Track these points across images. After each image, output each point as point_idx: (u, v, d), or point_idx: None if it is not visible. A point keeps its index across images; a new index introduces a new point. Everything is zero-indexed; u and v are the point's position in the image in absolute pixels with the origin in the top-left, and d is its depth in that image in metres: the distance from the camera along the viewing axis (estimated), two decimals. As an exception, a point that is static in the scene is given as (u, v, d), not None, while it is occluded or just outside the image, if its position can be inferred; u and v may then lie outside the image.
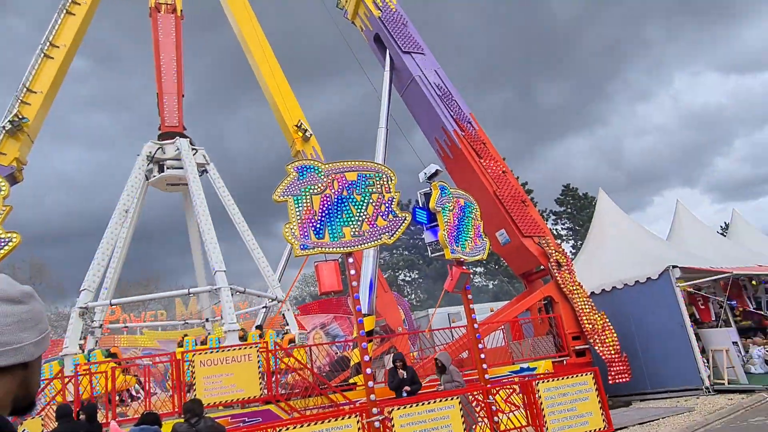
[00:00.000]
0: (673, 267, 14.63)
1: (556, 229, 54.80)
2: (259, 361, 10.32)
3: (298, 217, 8.16)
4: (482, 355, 9.63)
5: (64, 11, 19.84)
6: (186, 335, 16.32)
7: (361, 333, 8.57)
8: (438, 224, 9.49)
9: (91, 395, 10.48)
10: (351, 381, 13.34)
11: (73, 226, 77.95)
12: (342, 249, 8.36)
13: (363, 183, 8.77)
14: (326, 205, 8.38)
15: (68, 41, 19.52)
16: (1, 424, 1.12)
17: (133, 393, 13.72)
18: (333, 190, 8.51)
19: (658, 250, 16.70)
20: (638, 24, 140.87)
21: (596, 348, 14.33)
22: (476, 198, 10.68)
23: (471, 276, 10.45)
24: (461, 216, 9.91)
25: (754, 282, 17.87)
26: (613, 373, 14.04)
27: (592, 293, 15.85)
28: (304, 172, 8.52)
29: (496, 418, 8.84)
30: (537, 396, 8.91)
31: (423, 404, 8.19)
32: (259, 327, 18.12)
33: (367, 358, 8.44)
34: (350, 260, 8.57)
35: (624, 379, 14.14)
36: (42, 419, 10.03)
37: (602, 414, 9.06)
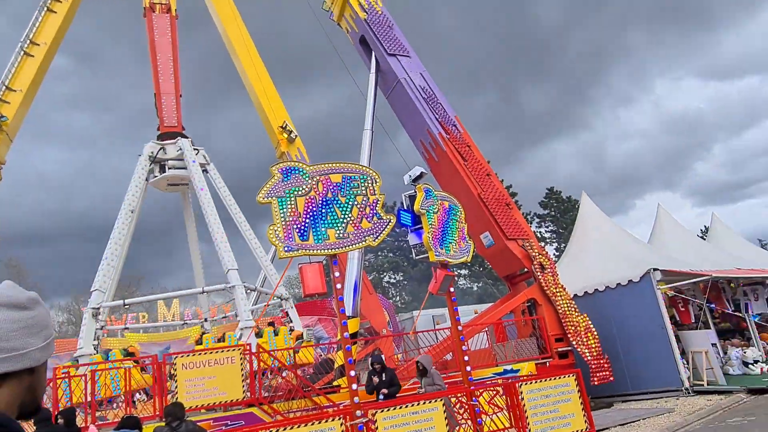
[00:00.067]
0: (654, 270, 14.83)
1: (540, 232, 55.25)
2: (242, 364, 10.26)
3: (283, 219, 8.12)
4: (466, 357, 9.65)
5: (45, 9, 19.57)
6: (204, 333, 16.44)
7: (346, 335, 8.54)
8: (422, 227, 9.51)
9: (108, 395, 10.45)
10: (335, 383, 13.30)
11: (52, 226, 76.78)
12: (326, 251, 8.34)
13: (348, 185, 8.75)
14: (311, 207, 8.35)
15: (49, 39, 19.26)
16: (11, 426, 1.13)
17: (149, 391, 13.61)
18: (318, 192, 8.48)
19: (640, 253, 16.92)
20: (620, 30, 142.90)
21: (579, 350, 14.46)
22: (461, 200, 10.72)
23: (455, 278, 10.48)
24: (446, 219, 9.94)
25: (732, 285, 18.18)
26: (595, 375, 14.18)
27: (575, 295, 16.00)
28: (289, 174, 8.48)
29: (479, 420, 8.87)
30: (520, 398, 8.96)
31: (406, 406, 8.19)
32: (271, 324, 18.11)
33: (351, 360, 8.41)
34: (334, 262, 8.55)
35: (606, 381, 14.28)
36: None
37: (584, 415, 9.14)
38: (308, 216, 8.29)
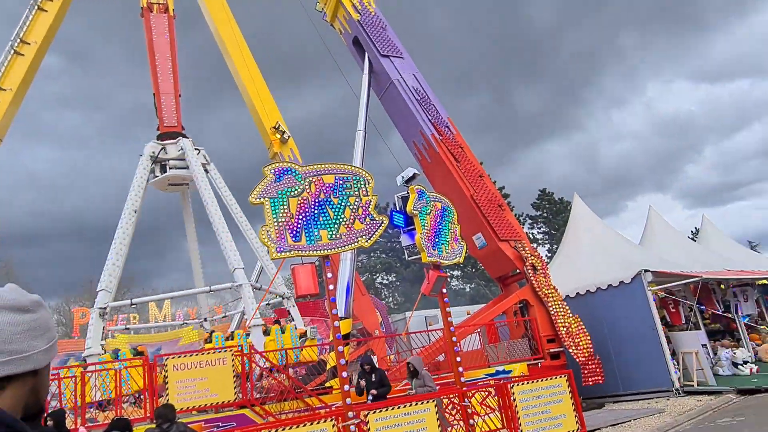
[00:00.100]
0: (645, 271, 14.92)
1: (533, 233, 55.45)
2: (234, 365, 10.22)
3: (275, 220, 8.10)
4: (458, 358, 9.67)
5: (36, 7, 19.43)
6: (213, 331, 16.55)
7: (338, 336, 8.53)
8: (415, 228, 9.52)
9: (120, 395, 10.42)
10: (327, 384, 13.28)
11: (43, 226, 76.17)
12: (319, 252, 8.32)
13: (340, 186, 8.74)
14: (303, 208, 8.34)
15: (39, 38, 19.12)
16: (16, 426, 1.13)
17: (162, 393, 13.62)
18: (310, 193, 8.46)
19: (631, 254, 17.01)
20: (613, 32, 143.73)
21: (570, 351, 14.52)
22: (453, 202, 10.75)
23: (448, 279, 10.49)
24: (439, 220, 9.96)
25: (722, 286, 18.33)
26: (586, 376, 14.24)
27: (567, 297, 16.06)
28: (282, 175, 8.46)
29: (471, 421, 8.89)
30: (512, 399, 8.98)
31: (399, 408, 8.19)
32: (277, 322, 18.17)
33: (343, 361, 8.40)
34: (327, 263, 8.53)
35: (597, 382, 14.35)
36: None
37: (575, 416, 9.17)
38: (301, 217, 8.28)
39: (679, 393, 13.84)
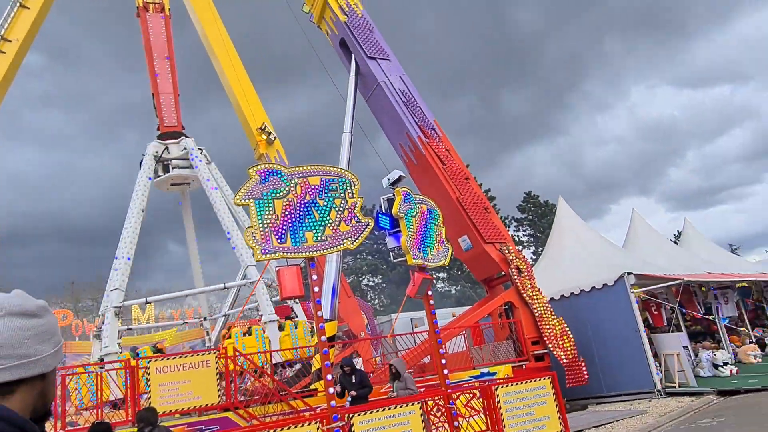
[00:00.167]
0: (628, 274, 15.07)
1: (518, 236, 55.80)
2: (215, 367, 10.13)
3: (260, 221, 8.06)
4: (443, 360, 9.68)
5: (18, 4, 19.14)
6: (231, 327, 16.66)
7: (323, 339, 8.50)
8: (401, 230, 9.52)
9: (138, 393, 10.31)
10: (312, 387, 13.22)
11: (25, 226, 74.99)
12: (304, 254, 8.29)
13: (326, 188, 8.72)
14: (289, 210, 8.30)
15: (21, 36, 18.84)
16: (26, 427, 1.16)
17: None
18: (296, 195, 8.43)
19: (614, 257, 17.19)
20: (598, 38, 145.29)
21: (554, 353, 14.61)
22: (439, 204, 10.78)
23: (433, 281, 10.51)
24: (426, 222, 9.97)
25: (703, 288, 18.59)
26: (570, 377, 14.34)
27: (552, 299, 16.18)
28: (267, 176, 8.41)
29: (456, 423, 8.90)
30: (496, 401, 9.00)
31: (383, 410, 8.17)
32: (288, 318, 18.17)
33: (328, 363, 8.37)
34: (312, 265, 8.50)
35: (581, 383, 14.46)
36: None
37: (559, 418, 9.22)
38: (286, 218, 8.24)
39: (661, 394, 14.00)
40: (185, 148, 19.87)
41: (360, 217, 8.83)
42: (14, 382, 1.21)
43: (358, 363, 15.05)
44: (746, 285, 20.50)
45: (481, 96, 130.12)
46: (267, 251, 8.00)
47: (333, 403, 8.07)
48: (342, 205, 8.70)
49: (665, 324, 16.76)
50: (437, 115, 17.97)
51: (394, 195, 9.67)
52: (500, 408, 8.94)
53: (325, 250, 8.53)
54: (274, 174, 8.47)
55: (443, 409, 9.02)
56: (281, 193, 8.33)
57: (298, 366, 15.41)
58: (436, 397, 9.15)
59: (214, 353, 10.37)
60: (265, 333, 15.20)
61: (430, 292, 9.86)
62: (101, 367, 12.34)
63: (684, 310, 17.23)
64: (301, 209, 8.40)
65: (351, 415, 7.97)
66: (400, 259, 9.75)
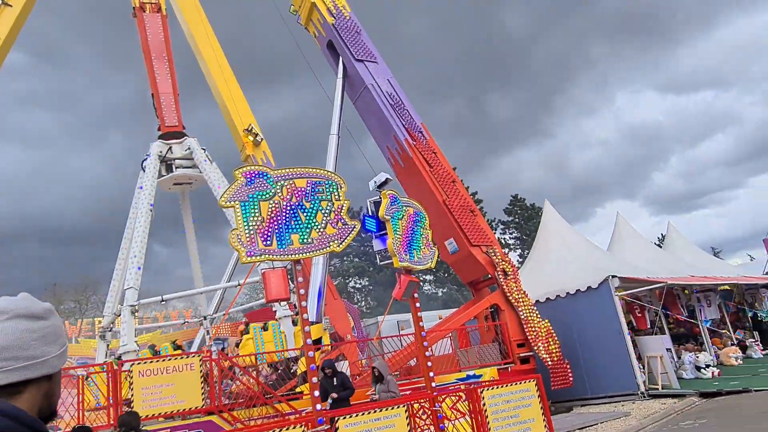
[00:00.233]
0: (613, 277, 15.21)
1: (504, 239, 56.08)
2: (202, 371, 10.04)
3: (245, 224, 8.00)
4: (429, 363, 9.69)
5: (0, 2, 18.84)
6: (248, 323, 16.74)
7: (308, 341, 8.46)
8: (387, 232, 9.51)
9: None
10: (297, 390, 13.15)
11: (7, 226, 73.80)
12: (290, 256, 8.25)
13: (313, 190, 8.69)
14: (274, 212, 8.25)
15: (3, 34, 18.54)
16: (35, 426, 1.19)
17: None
18: (282, 197, 8.39)
19: (599, 260, 17.34)
20: (584, 43, 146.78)
21: (540, 355, 14.69)
22: (426, 207, 10.79)
23: (420, 284, 10.51)
24: (413, 225, 9.98)
25: (686, 291, 18.82)
26: (555, 380, 14.42)
27: (537, 301, 16.27)
28: (253, 178, 8.36)
29: (442, 426, 8.90)
30: (482, 403, 9.02)
31: (369, 413, 8.15)
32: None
33: (313, 366, 8.33)
34: (298, 267, 8.46)
35: (566, 385, 14.55)
36: None
37: (544, 420, 9.27)
38: (272, 221, 8.20)
39: (644, 396, 14.13)
40: (189, 148, 20.13)
41: (346, 220, 8.81)
42: (22, 382, 1.25)
43: (344, 365, 15.01)
44: (728, 288, 20.82)
45: (468, 99, 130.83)
46: (252, 254, 7.95)
47: (318, 406, 8.03)
48: (328, 208, 8.68)
49: (649, 326, 16.93)
50: (424, 117, 18.02)
51: (380, 198, 9.67)
52: (485, 411, 8.96)
53: (311, 253, 8.50)
54: (261, 176, 8.42)
55: (429, 412, 9.02)
56: (267, 195, 8.28)
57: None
58: (422, 400, 9.15)
59: (198, 356, 10.27)
60: (280, 327, 15.67)
61: (416, 295, 9.86)
62: (84, 371, 12.16)
63: (667, 313, 17.43)
64: (287, 212, 8.36)
65: (336, 419, 7.95)
66: (386, 262, 9.73)
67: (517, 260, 47.45)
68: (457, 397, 9.41)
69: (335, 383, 9.84)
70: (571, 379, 14.64)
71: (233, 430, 9.41)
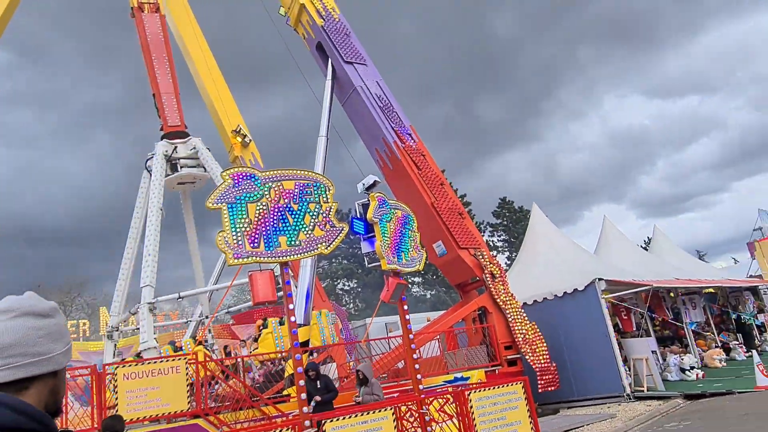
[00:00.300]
0: (599, 279, 15.33)
1: (493, 241, 56.28)
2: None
3: (232, 226, 7.96)
4: (417, 365, 9.69)
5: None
6: (266, 318, 16.91)
7: (296, 344, 8.43)
8: (375, 235, 9.51)
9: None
10: (285, 393, 13.08)
11: (-11, 227, 72.58)
12: (277, 259, 8.22)
13: (301, 192, 8.66)
14: (262, 214, 8.22)
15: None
16: (44, 421, 1.21)
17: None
18: (270, 199, 8.35)
19: (586, 263, 17.47)
20: (572, 47, 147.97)
21: (527, 357, 14.75)
22: (414, 209, 10.80)
23: (408, 286, 10.53)
24: (402, 228, 9.98)
25: (672, 294, 19.01)
26: (542, 382, 14.48)
27: (525, 304, 16.33)
28: (241, 180, 8.32)
29: (429, 428, 8.90)
30: (469, 405, 9.04)
31: (356, 416, 8.13)
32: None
33: (300, 369, 8.30)
34: (286, 270, 8.43)
35: (553, 388, 14.62)
36: None
37: (531, 422, 9.31)
38: (259, 223, 8.16)
39: (630, 398, 14.25)
40: (194, 147, 20.21)
41: (334, 222, 8.80)
42: (28, 378, 1.28)
43: (332, 368, 14.97)
44: (713, 291, 21.06)
45: (457, 102, 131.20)
46: (239, 256, 7.90)
47: (305, 408, 8.01)
48: (316, 210, 8.66)
49: (635, 329, 17.07)
50: (413, 120, 18.04)
51: (368, 200, 9.66)
52: (473, 413, 8.98)
53: (299, 255, 8.47)
54: (249, 178, 8.38)
55: (416, 415, 9.02)
56: (255, 197, 8.24)
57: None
58: (409, 403, 9.14)
59: (184, 359, 10.18)
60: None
61: (404, 297, 9.86)
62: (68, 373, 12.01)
63: (653, 315, 17.59)
64: (275, 214, 8.33)
65: (323, 422, 7.92)
66: (374, 264, 9.73)
67: (505, 263, 47.65)
68: (445, 400, 9.42)
69: (319, 386, 9.81)
70: (557, 381, 14.71)
71: (219, 434, 9.34)
